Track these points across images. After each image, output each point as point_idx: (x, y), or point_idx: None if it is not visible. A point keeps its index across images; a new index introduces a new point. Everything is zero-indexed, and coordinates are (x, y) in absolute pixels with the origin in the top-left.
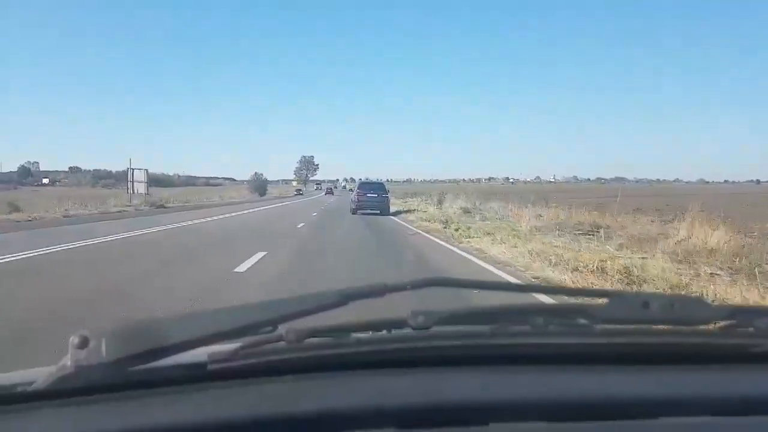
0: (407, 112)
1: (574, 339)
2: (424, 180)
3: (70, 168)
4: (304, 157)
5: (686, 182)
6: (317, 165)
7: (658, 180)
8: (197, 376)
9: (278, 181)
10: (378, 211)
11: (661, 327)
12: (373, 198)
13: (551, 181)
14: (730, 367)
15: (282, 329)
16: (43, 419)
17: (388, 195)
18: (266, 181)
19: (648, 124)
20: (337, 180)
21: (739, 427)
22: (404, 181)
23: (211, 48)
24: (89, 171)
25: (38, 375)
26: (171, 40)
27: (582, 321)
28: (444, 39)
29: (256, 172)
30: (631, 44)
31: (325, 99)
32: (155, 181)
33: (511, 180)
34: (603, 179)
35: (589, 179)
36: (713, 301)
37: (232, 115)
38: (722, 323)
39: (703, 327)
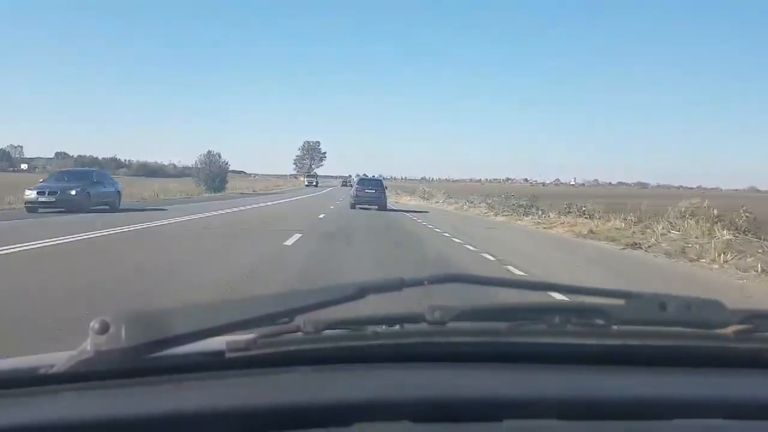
0: (424, 109)
1: (590, 339)
2: (440, 179)
3: (56, 153)
4: (308, 142)
5: (708, 189)
6: (324, 153)
7: (681, 186)
8: (215, 363)
9: (283, 176)
10: (376, 207)
11: (677, 329)
12: (371, 193)
13: (572, 184)
14: (746, 371)
15: (299, 320)
16: (63, 402)
17: (385, 191)
18: (226, 170)
19: (672, 129)
20: (350, 176)
21: (753, 431)
22: (420, 179)
23: (211, 32)
24: (72, 157)
25: (59, 359)
26: (166, 21)
27: (599, 321)
28: (462, 37)
29: (209, 151)
30: (658, 46)
31: (335, 92)
32: (147, 170)
33: (530, 181)
34: (625, 183)
35: (610, 183)
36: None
37: (236, 105)
38: (739, 327)
39: (719, 330)
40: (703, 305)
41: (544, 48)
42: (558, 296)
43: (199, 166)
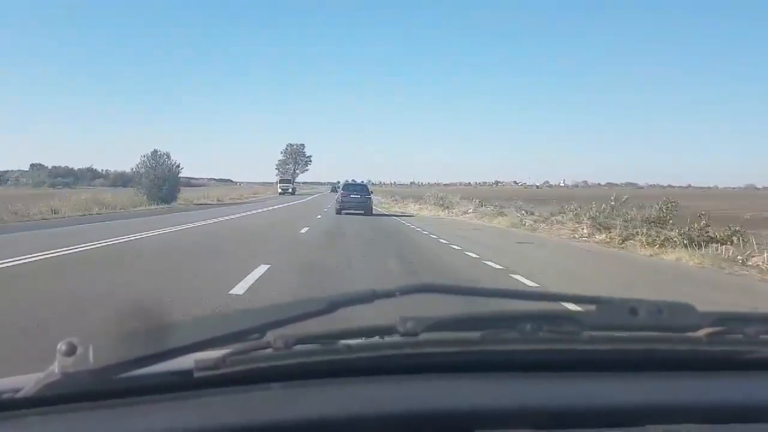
0: (410, 113)
1: (561, 346)
2: (429, 183)
3: (31, 165)
4: (291, 145)
5: (700, 188)
6: (309, 157)
7: (670, 186)
8: (184, 383)
9: (269, 183)
10: (362, 211)
11: (649, 333)
12: (356, 199)
13: (561, 186)
14: (719, 374)
15: (270, 336)
16: (29, 426)
17: (371, 196)
18: (177, 175)
19: (661, 129)
20: (338, 182)
21: None
22: (409, 184)
23: (196, 36)
24: (47, 168)
25: (26, 382)
26: (151, 26)
27: (570, 328)
28: (449, 39)
29: (155, 151)
30: (644, 46)
31: (320, 94)
32: (125, 180)
33: (520, 184)
34: (614, 184)
35: (599, 184)
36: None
37: (221, 113)
38: (711, 330)
39: (691, 334)
40: (674, 309)
41: (532, 50)
42: (531, 304)
43: (142, 170)
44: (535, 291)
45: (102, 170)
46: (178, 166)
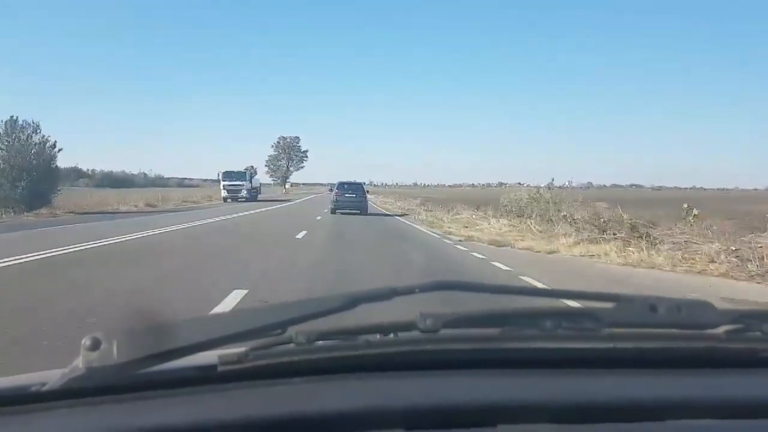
0: (411, 112)
1: (581, 343)
2: (433, 185)
3: None
4: (284, 138)
5: (706, 189)
6: (305, 152)
7: (676, 187)
8: (207, 377)
9: (266, 184)
10: (357, 211)
11: (668, 330)
12: (351, 198)
13: (566, 187)
14: (738, 371)
15: (291, 331)
16: (55, 420)
17: (366, 195)
18: (49, 164)
19: (667, 130)
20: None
21: (746, 430)
22: (413, 185)
23: (195, 31)
24: None
25: (51, 377)
26: (142, 21)
27: (590, 324)
28: (452, 37)
29: (11, 117)
30: (647, 45)
31: (321, 94)
32: (112, 180)
33: (524, 185)
34: (619, 185)
35: (604, 185)
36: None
37: (217, 111)
38: (729, 327)
39: (710, 331)
40: (693, 306)
41: (538, 50)
42: (550, 301)
43: None
44: (554, 289)
45: (87, 170)
46: (54, 147)
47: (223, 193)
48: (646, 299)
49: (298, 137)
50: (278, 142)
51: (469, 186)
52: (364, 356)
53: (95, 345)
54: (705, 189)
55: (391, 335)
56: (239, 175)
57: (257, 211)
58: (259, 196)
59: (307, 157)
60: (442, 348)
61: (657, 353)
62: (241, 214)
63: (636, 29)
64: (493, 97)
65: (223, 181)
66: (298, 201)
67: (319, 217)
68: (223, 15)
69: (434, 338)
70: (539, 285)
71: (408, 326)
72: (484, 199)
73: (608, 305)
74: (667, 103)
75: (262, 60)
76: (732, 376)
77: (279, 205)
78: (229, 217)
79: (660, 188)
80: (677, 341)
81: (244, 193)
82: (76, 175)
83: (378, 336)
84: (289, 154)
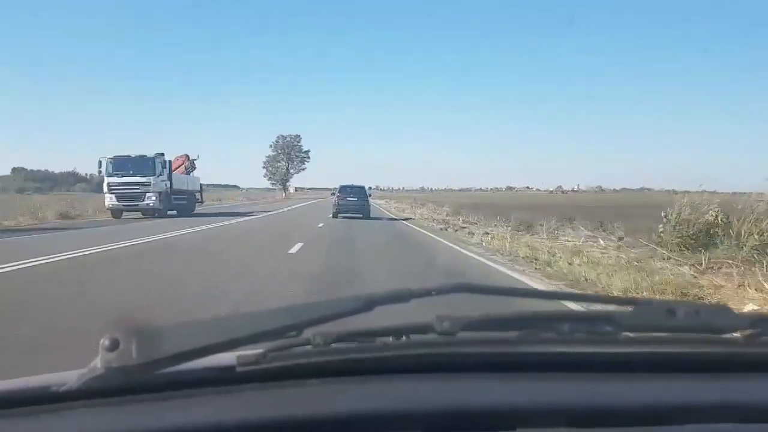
0: (418, 116)
1: (599, 347)
2: (439, 189)
3: (13, 169)
4: (283, 137)
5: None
6: (307, 152)
7: (687, 191)
8: (226, 378)
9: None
10: (360, 215)
11: (686, 335)
12: (353, 201)
13: (575, 191)
14: (757, 375)
15: (308, 333)
16: (75, 419)
17: (369, 198)
18: None
19: (676, 132)
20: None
21: None
22: (419, 189)
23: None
24: (24, 171)
25: (70, 377)
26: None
27: (608, 328)
28: (455, 39)
29: None
30: (657, 49)
31: (327, 97)
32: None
33: (532, 189)
34: (629, 189)
35: (615, 190)
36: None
37: (223, 115)
38: (748, 331)
39: (728, 335)
40: (711, 310)
41: (543, 51)
42: (567, 304)
43: None
44: (571, 292)
45: (86, 174)
46: None
47: (109, 201)
48: (664, 303)
49: (299, 136)
50: (277, 142)
51: (477, 190)
52: (381, 358)
53: (114, 345)
54: (717, 193)
55: (408, 337)
56: (140, 165)
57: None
58: (240, 204)
59: (309, 157)
60: (459, 351)
61: (675, 357)
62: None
63: (654, 30)
64: (498, 100)
65: (110, 177)
66: (287, 210)
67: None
68: (223, 15)
69: (451, 341)
70: None
71: (425, 329)
72: (531, 205)
73: (626, 309)
74: (678, 105)
75: (263, 60)
76: (751, 381)
77: (238, 221)
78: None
79: (674, 192)
80: (696, 345)
81: (151, 199)
82: (74, 179)
83: (394, 338)
84: (289, 154)
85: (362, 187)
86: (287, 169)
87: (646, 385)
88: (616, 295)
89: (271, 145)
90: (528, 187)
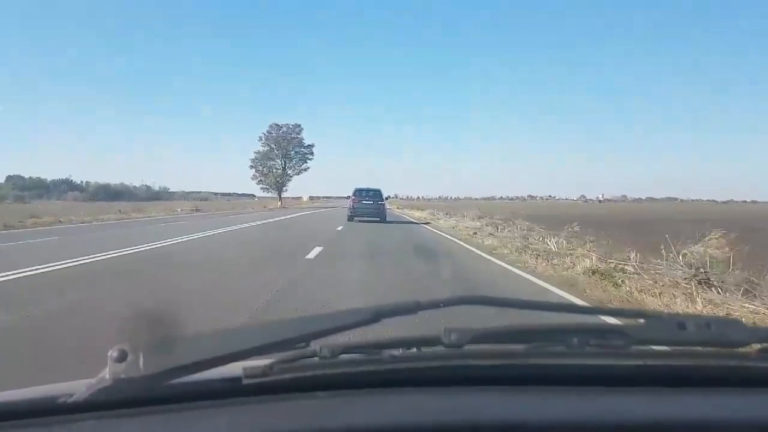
0: (437, 124)
1: (609, 360)
2: (460, 198)
3: (7, 177)
4: (278, 126)
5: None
6: (310, 147)
7: (714, 200)
8: (233, 390)
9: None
10: (377, 219)
11: (697, 348)
12: (368, 205)
13: (600, 201)
14: None
15: (316, 345)
16: (82, 430)
17: (385, 202)
18: None
19: (703, 142)
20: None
21: None
22: (437, 198)
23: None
24: (21, 179)
25: (78, 387)
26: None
27: (618, 342)
28: (476, 49)
29: None
30: (688, 61)
31: (340, 104)
32: (108, 193)
33: (554, 198)
34: (654, 199)
35: (641, 199)
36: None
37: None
38: (760, 345)
39: (741, 349)
40: (722, 324)
41: (564, 58)
42: (576, 317)
43: None
44: (580, 305)
45: (81, 182)
46: None
47: None
48: (674, 316)
49: (299, 125)
50: (269, 133)
51: (500, 198)
52: (388, 371)
53: (122, 356)
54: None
55: (416, 350)
56: None
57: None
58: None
59: (312, 154)
60: (467, 364)
61: (687, 371)
62: None
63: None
64: (520, 108)
65: None
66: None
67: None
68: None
69: (459, 353)
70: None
71: (433, 341)
72: (584, 216)
73: (636, 322)
74: (704, 115)
75: (272, 64)
76: (764, 395)
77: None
78: None
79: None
80: (708, 359)
81: None
82: (67, 187)
83: (402, 350)
84: (286, 149)
85: (378, 191)
86: (284, 168)
87: (657, 400)
88: (625, 308)
89: (261, 138)
90: (550, 196)
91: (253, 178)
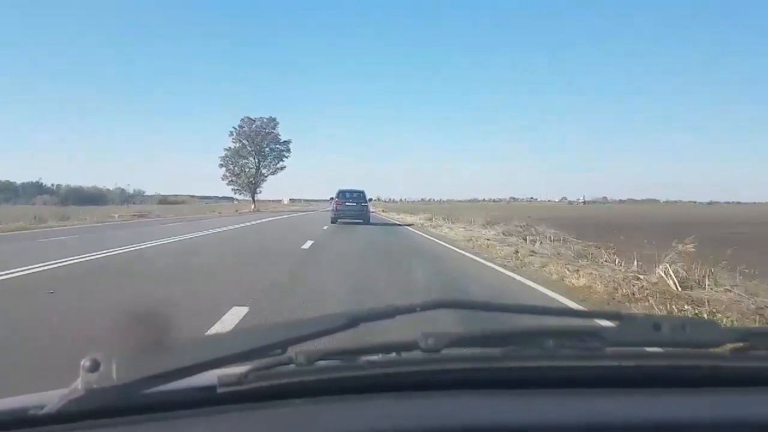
0: (420, 127)
1: (584, 362)
2: (441, 200)
3: None
4: (250, 120)
5: (726, 203)
6: (286, 144)
7: (694, 202)
8: (207, 399)
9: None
10: (360, 220)
11: (672, 349)
12: (352, 206)
13: (581, 202)
14: (744, 390)
15: (292, 352)
16: None
17: (368, 204)
18: None
19: (685, 143)
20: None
21: None
22: (419, 201)
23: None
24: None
25: (49, 398)
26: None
27: (593, 344)
28: (456, 50)
29: None
30: (671, 61)
31: (326, 104)
32: (81, 197)
33: (535, 200)
34: (635, 200)
35: (621, 200)
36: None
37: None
38: (734, 345)
39: (715, 350)
40: (697, 325)
41: (543, 60)
42: (552, 319)
43: None
44: (556, 307)
45: (52, 185)
46: None
47: None
48: (649, 317)
49: (274, 118)
50: (241, 128)
51: (484, 200)
52: (365, 377)
53: (95, 366)
54: (736, 203)
55: (393, 355)
56: None
57: None
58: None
59: (289, 151)
60: (444, 368)
61: (662, 372)
62: None
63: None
64: (500, 111)
65: None
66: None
67: None
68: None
69: (436, 358)
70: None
71: (410, 346)
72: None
73: (611, 323)
74: (685, 117)
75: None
76: (738, 395)
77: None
78: None
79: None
80: (682, 360)
81: None
82: (36, 190)
83: (379, 356)
84: (260, 145)
85: (362, 192)
86: (257, 167)
87: (633, 401)
88: (600, 310)
89: (231, 132)
90: (532, 198)
91: (223, 179)
